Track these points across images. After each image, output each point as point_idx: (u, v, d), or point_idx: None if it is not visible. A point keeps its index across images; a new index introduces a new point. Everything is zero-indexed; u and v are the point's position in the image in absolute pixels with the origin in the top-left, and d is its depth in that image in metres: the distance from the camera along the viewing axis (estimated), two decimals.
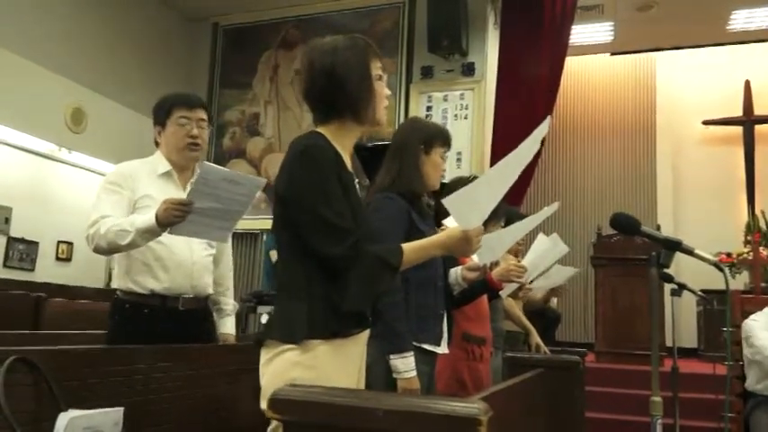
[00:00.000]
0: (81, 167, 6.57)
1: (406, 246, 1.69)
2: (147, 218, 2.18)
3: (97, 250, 2.30)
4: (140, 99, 6.93)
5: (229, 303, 2.73)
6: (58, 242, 6.38)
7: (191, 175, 2.54)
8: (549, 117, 1.77)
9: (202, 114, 2.53)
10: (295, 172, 1.62)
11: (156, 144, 2.56)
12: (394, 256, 1.65)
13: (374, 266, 1.63)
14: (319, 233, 1.58)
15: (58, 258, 6.38)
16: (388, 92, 1.79)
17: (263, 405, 1.57)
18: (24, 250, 6.03)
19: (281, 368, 1.56)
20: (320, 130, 1.73)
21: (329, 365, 1.57)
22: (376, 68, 1.74)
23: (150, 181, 2.43)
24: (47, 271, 6.13)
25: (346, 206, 1.62)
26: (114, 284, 2.45)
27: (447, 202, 1.68)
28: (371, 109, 1.72)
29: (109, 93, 6.76)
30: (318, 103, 1.73)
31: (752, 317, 3.82)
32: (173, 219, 2.13)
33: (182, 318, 2.40)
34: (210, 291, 2.57)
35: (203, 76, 7.78)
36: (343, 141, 1.73)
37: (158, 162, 2.50)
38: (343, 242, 1.57)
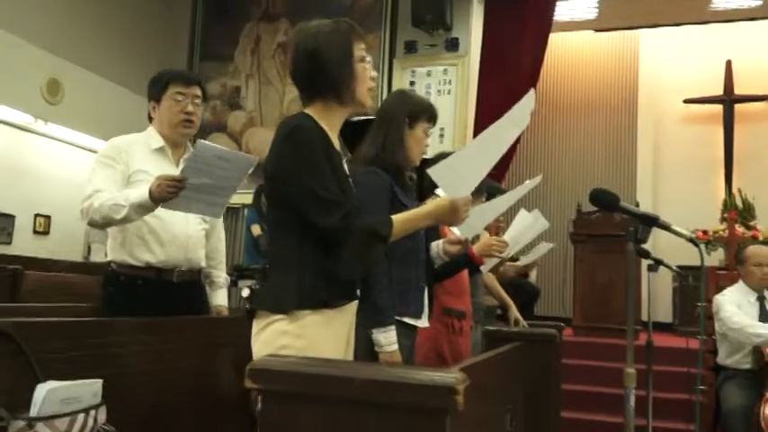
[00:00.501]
0: (58, 139, 6.45)
1: (395, 216, 1.75)
2: (140, 192, 2.21)
3: (91, 224, 2.34)
4: (118, 70, 6.83)
5: (221, 276, 2.78)
6: (36, 215, 6.29)
7: (183, 150, 2.59)
8: (532, 89, 1.77)
9: (198, 91, 2.57)
10: (283, 151, 1.67)
11: (150, 119, 2.58)
12: (384, 227, 1.70)
13: (365, 237, 1.68)
14: (311, 207, 1.63)
15: (35, 232, 6.30)
16: (373, 73, 1.83)
17: None
18: (1, 223, 5.95)
19: (271, 338, 1.61)
20: (307, 110, 1.77)
21: (317, 335, 1.62)
22: (359, 50, 1.78)
23: (144, 156, 2.47)
24: (24, 244, 6.05)
25: (334, 182, 1.67)
26: (109, 257, 2.47)
27: (432, 171, 1.73)
28: (352, 90, 1.76)
29: (86, 64, 6.63)
30: (303, 84, 1.79)
31: (723, 292, 3.91)
32: (166, 194, 2.17)
33: (175, 289, 2.45)
34: (203, 264, 2.62)
35: (183, 47, 7.65)
36: (330, 121, 1.77)
37: (152, 137, 2.53)
38: (334, 214, 1.62)
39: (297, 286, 1.63)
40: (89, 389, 1.65)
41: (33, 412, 1.52)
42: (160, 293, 2.40)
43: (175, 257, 2.45)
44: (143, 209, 2.23)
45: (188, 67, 7.48)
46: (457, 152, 1.81)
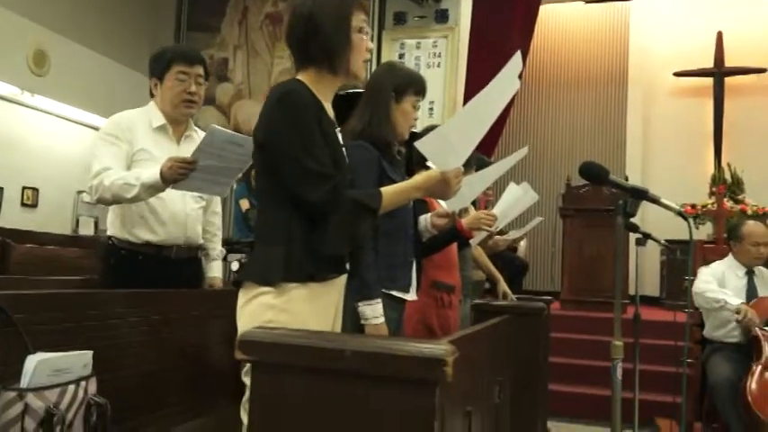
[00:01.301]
0: (45, 111, 6.39)
1: (384, 189, 1.72)
2: (152, 173, 2.25)
3: (101, 201, 2.37)
4: (105, 42, 6.74)
5: (216, 248, 2.82)
6: (23, 188, 6.25)
7: (185, 128, 2.62)
8: (518, 52, 1.71)
9: (200, 70, 2.57)
10: (274, 118, 1.63)
11: (152, 95, 2.58)
12: (373, 200, 1.67)
13: (354, 210, 1.65)
14: (299, 178, 1.60)
15: (23, 204, 6.26)
16: (370, 45, 1.79)
17: None
18: None
19: (256, 311, 1.59)
20: (300, 77, 1.73)
21: (303, 309, 1.59)
22: (357, 20, 1.73)
23: (146, 134, 2.49)
24: (12, 217, 6.02)
25: (326, 152, 1.63)
26: (109, 231, 2.50)
27: (419, 144, 1.70)
28: (346, 59, 1.71)
29: (72, 35, 6.53)
30: (297, 49, 1.74)
31: (710, 264, 3.94)
32: (177, 176, 2.23)
33: (172, 264, 2.49)
34: (201, 240, 2.66)
35: (170, 18, 7.55)
36: (323, 89, 1.73)
37: (153, 114, 2.54)
38: (322, 187, 1.59)
39: (284, 259, 1.60)
40: (79, 360, 1.66)
41: (24, 383, 1.52)
42: (159, 268, 2.45)
43: (174, 235, 2.49)
44: (154, 189, 2.28)
45: (174, 38, 7.40)
46: (447, 123, 1.78)
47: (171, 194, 2.41)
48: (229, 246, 5.82)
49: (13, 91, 6.02)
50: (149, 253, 2.45)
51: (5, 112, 6.07)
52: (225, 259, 5.80)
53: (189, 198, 2.53)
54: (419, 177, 1.78)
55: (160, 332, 2.14)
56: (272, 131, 1.64)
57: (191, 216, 2.55)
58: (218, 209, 2.84)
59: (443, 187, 1.75)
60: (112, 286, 2.32)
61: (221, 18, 7.42)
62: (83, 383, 1.64)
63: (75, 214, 6.53)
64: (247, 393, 1.61)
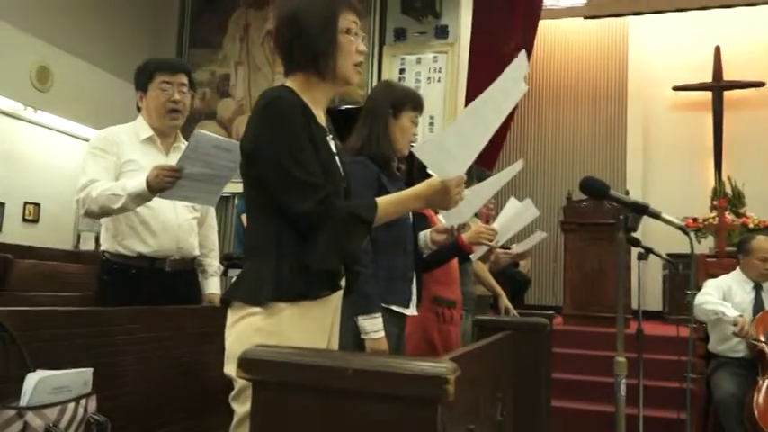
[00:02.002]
0: (48, 127, 6.40)
1: (381, 199, 1.63)
2: (137, 182, 2.23)
3: (88, 214, 2.35)
4: (108, 58, 6.77)
5: (214, 264, 2.79)
6: (25, 203, 6.25)
7: (173, 140, 2.60)
8: (523, 51, 1.61)
9: (184, 79, 2.54)
10: (261, 126, 1.56)
11: (138, 109, 2.58)
12: (367, 211, 1.58)
13: (346, 222, 1.56)
14: (287, 189, 1.52)
15: (24, 220, 6.26)
16: (362, 47, 1.68)
17: (227, 369, 1.56)
18: None
19: (244, 333, 1.52)
20: (288, 83, 1.66)
21: (294, 331, 1.51)
22: (346, 21, 1.64)
23: (134, 146, 2.47)
24: (14, 233, 6.01)
25: (315, 161, 1.55)
26: (102, 246, 2.49)
27: (418, 150, 1.63)
28: (333, 62, 1.61)
29: (75, 51, 6.56)
30: (283, 53, 1.66)
31: (717, 278, 3.92)
32: (164, 184, 2.20)
33: (168, 279, 2.46)
34: (197, 252, 2.63)
35: (172, 34, 7.60)
36: (312, 96, 1.65)
37: (140, 127, 2.53)
38: (311, 198, 1.50)
39: (273, 276, 1.52)
40: (79, 378, 1.65)
41: (23, 401, 1.51)
42: (153, 282, 2.41)
43: (167, 247, 2.46)
44: (140, 198, 2.25)
45: (177, 54, 7.43)
46: (446, 130, 1.69)
47: (162, 204, 2.38)
48: (230, 261, 5.82)
49: (15, 106, 6.04)
50: (142, 266, 2.41)
51: (8, 127, 6.09)
52: (225, 274, 5.81)
53: (181, 208, 2.49)
54: (419, 186, 1.68)
55: (161, 349, 2.13)
56: (258, 140, 1.55)
57: (183, 227, 2.51)
58: (214, 223, 2.81)
59: (444, 196, 1.64)
60: (107, 303, 2.28)
61: (223, 34, 7.46)
62: (83, 401, 1.63)
63: (76, 230, 6.53)
64: (235, 419, 1.56)
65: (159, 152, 2.52)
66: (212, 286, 2.75)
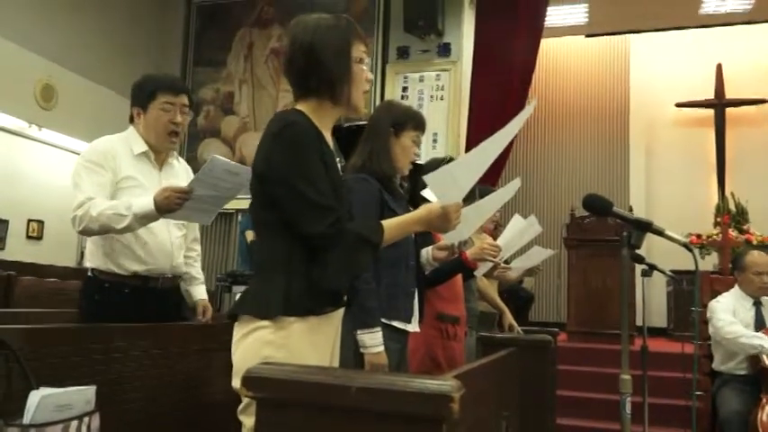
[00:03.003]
0: (52, 145, 6.44)
1: (385, 222, 1.69)
2: (144, 203, 2.20)
3: (85, 232, 2.29)
4: (112, 76, 6.82)
5: (200, 272, 2.76)
6: (29, 220, 6.27)
7: (166, 155, 2.56)
8: (534, 100, 1.81)
9: (185, 100, 2.52)
10: (274, 150, 1.60)
11: (131, 121, 2.53)
12: (375, 234, 1.64)
13: (355, 244, 1.62)
14: (300, 211, 1.57)
15: (28, 237, 6.28)
16: (370, 75, 1.77)
17: (235, 383, 1.57)
18: None
19: (253, 347, 1.55)
20: (300, 107, 1.71)
21: (301, 344, 1.56)
22: (358, 51, 1.72)
23: (128, 161, 2.43)
24: (17, 249, 6.03)
25: (327, 184, 1.61)
26: (90, 264, 2.41)
27: (428, 178, 1.72)
28: (347, 90, 1.69)
29: (80, 69, 6.62)
30: (297, 79, 1.71)
31: (718, 298, 3.90)
32: (173, 206, 2.19)
33: (160, 297, 2.43)
34: (184, 269, 2.60)
35: (177, 53, 7.66)
36: (323, 120, 1.71)
37: (134, 141, 2.48)
38: (324, 220, 1.56)
39: (283, 292, 1.56)
40: (82, 395, 1.64)
41: (27, 419, 1.51)
42: (146, 301, 2.37)
43: (162, 265, 2.42)
44: (147, 219, 2.23)
45: (181, 72, 7.48)
46: (453, 162, 1.80)
47: (156, 223, 2.35)
48: (233, 277, 5.82)
49: (20, 124, 6.08)
50: (136, 285, 2.36)
51: (13, 145, 6.12)
52: (229, 290, 5.81)
53: (172, 226, 2.47)
54: (420, 211, 1.76)
55: (163, 366, 2.12)
56: (272, 162, 1.60)
57: (175, 245, 2.49)
58: (198, 234, 2.78)
59: (443, 222, 1.74)
60: (95, 321, 2.24)
61: (227, 53, 7.51)
62: (86, 419, 1.62)
63: (79, 247, 6.54)
64: None
65: (153, 167, 2.49)
66: (202, 293, 2.72)
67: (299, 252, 1.59)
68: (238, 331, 1.61)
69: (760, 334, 3.63)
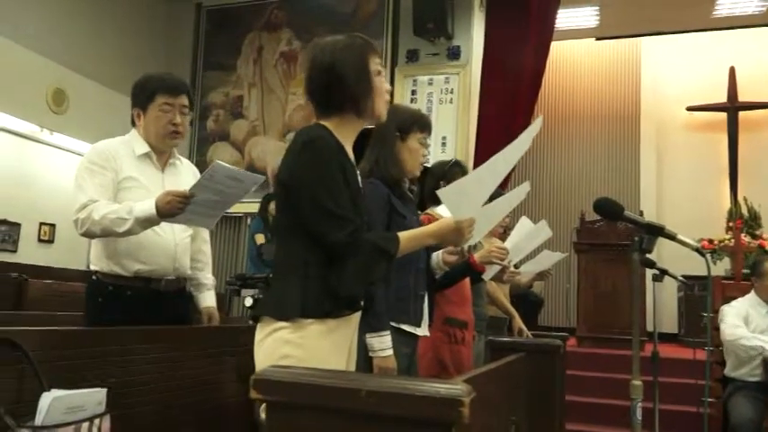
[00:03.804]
0: (63, 149, 6.49)
1: (401, 234, 1.76)
2: (145, 207, 2.20)
3: (87, 234, 2.29)
4: (122, 80, 6.82)
5: (209, 278, 2.72)
6: (41, 224, 6.32)
7: (168, 156, 2.56)
8: (540, 117, 1.87)
9: (185, 101, 2.51)
10: (299, 162, 1.68)
11: (133, 123, 2.53)
12: (391, 245, 1.72)
13: (372, 254, 1.68)
14: (321, 221, 1.64)
15: (40, 240, 6.32)
16: (388, 86, 1.86)
17: None
18: (6, 232, 5.97)
19: (273, 346, 1.61)
20: (323, 122, 1.78)
21: (319, 345, 1.61)
22: (375, 64, 1.80)
23: (130, 162, 2.43)
24: (29, 252, 6.07)
25: (347, 195, 1.68)
26: (93, 266, 2.41)
27: (441, 193, 1.79)
28: (371, 103, 1.77)
29: (90, 73, 6.66)
30: (320, 98, 1.79)
31: (732, 303, 3.88)
32: (175, 210, 2.19)
33: (162, 299, 2.41)
34: (189, 271, 2.58)
35: (186, 57, 7.69)
36: (345, 134, 1.78)
37: (136, 142, 2.48)
38: (342, 230, 1.63)
39: (301, 294, 1.63)
40: (93, 397, 1.65)
41: (38, 421, 1.52)
42: (148, 303, 2.36)
43: (164, 266, 2.41)
44: (148, 223, 2.23)
45: (191, 76, 7.51)
46: (466, 176, 1.86)
47: (162, 225, 2.34)
48: (243, 281, 5.82)
49: (32, 129, 6.13)
50: (138, 287, 2.35)
51: (25, 149, 6.17)
52: (238, 294, 5.81)
53: (177, 227, 2.45)
54: (434, 225, 1.86)
55: (174, 369, 2.13)
56: (297, 176, 1.68)
57: (180, 246, 2.48)
58: (207, 236, 2.75)
59: (456, 236, 1.83)
60: (100, 325, 2.24)
61: (237, 56, 7.54)
62: (96, 421, 1.63)
63: (90, 250, 6.59)
64: None
65: (155, 168, 2.49)
66: (209, 300, 2.69)
67: (316, 256, 1.66)
68: (260, 333, 1.67)
69: (761, 336, 3.61)
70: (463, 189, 1.81)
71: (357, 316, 1.78)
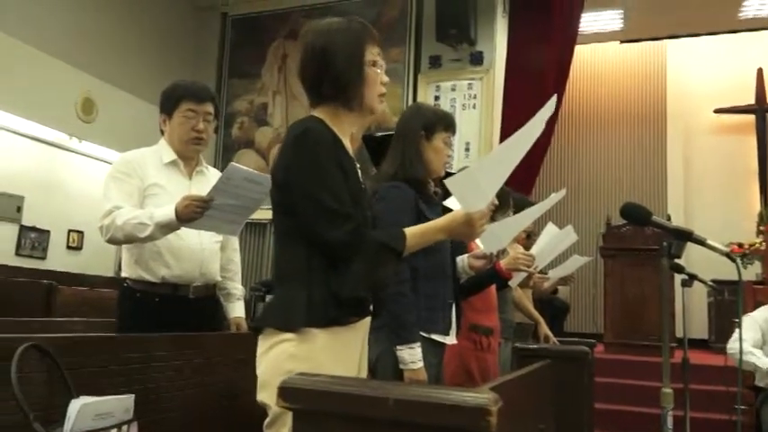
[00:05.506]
0: (91, 157, 6.59)
1: (408, 230, 1.64)
2: (166, 212, 2.22)
3: (112, 241, 2.33)
4: (149, 89, 6.93)
5: (238, 288, 2.73)
6: (69, 231, 6.41)
7: (196, 163, 2.59)
8: (554, 96, 1.67)
9: (210, 108, 2.54)
10: (292, 157, 1.58)
11: (162, 132, 2.57)
12: (397, 241, 1.60)
13: (377, 252, 1.58)
14: (318, 218, 1.54)
15: (68, 247, 6.42)
16: (385, 79, 1.72)
17: (260, 397, 1.55)
18: (36, 239, 6.07)
19: (277, 360, 1.52)
20: (316, 113, 1.68)
21: (326, 356, 1.51)
22: (371, 53, 1.68)
23: (157, 170, 2.46)
24: (58, 259, 6.17)
25: (345, 191, 1.58)
26: (124, 273, 2.45)
27: (449, 183, 1.64)
28: (360, 94, 1.65)
29: (118, 83, 6.76)
30: (310, 85, 1.69)
31: (753, 312, 3.81)
32: (193, 215, 2.19)
33: (191, 306, 2.43)
34: (218, 278, 2.59)
35: (212, 65, 7.77)
36: (341, 126, 1.68)
37: (163, 150, 2.52)
38: (342, 227, 1.53)
39: (305, 303, 1.52)
40: (122, 404, 1.66)
41: (67, 428, 1.53)
42: (177, 310, 2.38)
43: (191, 272, 2.43)
44: (168, 228, 2.25)
45: (216, 84, 7.59)
46: (477, 163, 1.71)
47: (186, 230, 2.35)
48: (267, 287, 5.84)
49: (61, 137, 6.23)
50: (166, 293, 2.38)
51: (54, 157, 6.27)
52: (263, 300, 5.84)
53: (205, 233, 2.46)
54: (443, 219, 1.70)
55: (202, 376, 2.14)
56: (290, 170, 1.58)
57: (206, 251, 2.48)
58: (237, 245, 2.76)
59: (468, 228, 1.67)
60: (129, 331, 2.27)
61: (261, 64, 7.60)
62: (124, 428, 1.64)
63: (118, 256, 6.65)
64: None
65: (183, 176, 2.52)
66: (238, 310, 2.70)
67: (318, 261, 1.56)
68: (262, 344, 1.58)
69: (756, 351, 3.56)
70: (473, 179, 1.65)
71: (366, 322, 1.67)
